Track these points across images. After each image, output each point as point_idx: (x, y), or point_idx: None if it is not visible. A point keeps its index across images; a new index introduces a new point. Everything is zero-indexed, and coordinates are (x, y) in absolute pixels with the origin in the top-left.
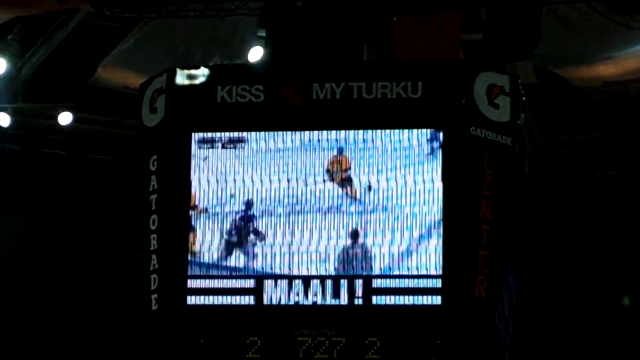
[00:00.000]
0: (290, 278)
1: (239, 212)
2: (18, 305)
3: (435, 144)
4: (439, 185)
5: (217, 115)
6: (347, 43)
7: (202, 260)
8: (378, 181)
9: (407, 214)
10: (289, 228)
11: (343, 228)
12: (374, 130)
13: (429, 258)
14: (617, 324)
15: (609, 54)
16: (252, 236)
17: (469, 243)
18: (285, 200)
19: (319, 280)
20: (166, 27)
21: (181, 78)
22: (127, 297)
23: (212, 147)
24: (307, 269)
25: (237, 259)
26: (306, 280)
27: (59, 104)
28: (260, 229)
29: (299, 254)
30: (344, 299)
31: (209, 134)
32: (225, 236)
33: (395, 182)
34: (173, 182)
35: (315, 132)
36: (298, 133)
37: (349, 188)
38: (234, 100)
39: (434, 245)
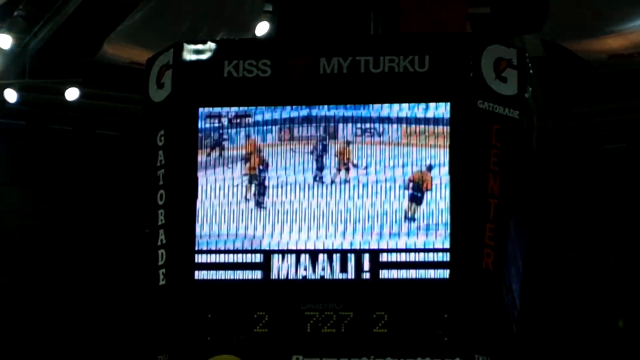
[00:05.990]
0: (298, 252)
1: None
2: (23, 281)
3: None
4: (446, 158)
5: (224, 90)
6: (354, 17)
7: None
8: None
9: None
10: (296, 200)
11: (350, 200)
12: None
13: (437, 232)
14: (626, 297)
15: (617, 26)
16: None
17: (477, 216)
18: (294, 172)
19: (326, 255)
20: (173, 1)
21: (188, 53)
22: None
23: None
24: (314, 243)
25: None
26: (313, 254)
27: (65, 79)
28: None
29: (307, 228)
30: (351, 273)
31: (216, 109)
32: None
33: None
34: (180, 156)
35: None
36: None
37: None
38: (240, 75)
39: (442, 218)
